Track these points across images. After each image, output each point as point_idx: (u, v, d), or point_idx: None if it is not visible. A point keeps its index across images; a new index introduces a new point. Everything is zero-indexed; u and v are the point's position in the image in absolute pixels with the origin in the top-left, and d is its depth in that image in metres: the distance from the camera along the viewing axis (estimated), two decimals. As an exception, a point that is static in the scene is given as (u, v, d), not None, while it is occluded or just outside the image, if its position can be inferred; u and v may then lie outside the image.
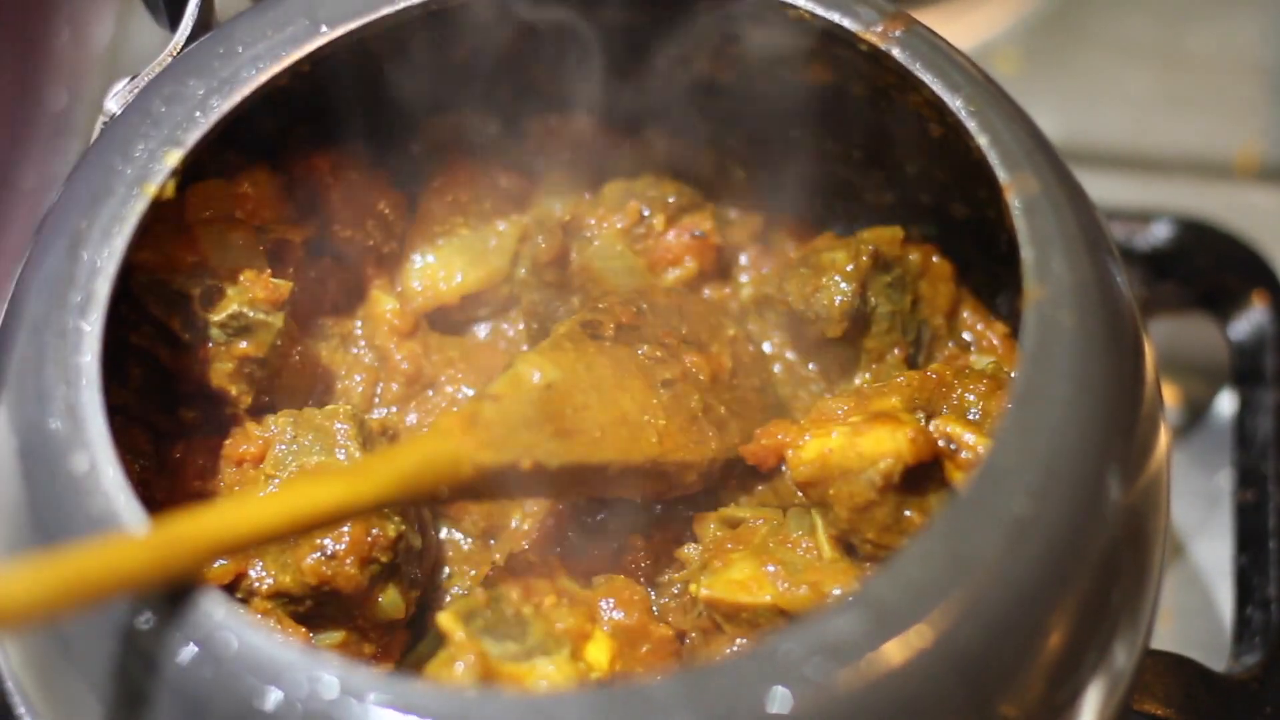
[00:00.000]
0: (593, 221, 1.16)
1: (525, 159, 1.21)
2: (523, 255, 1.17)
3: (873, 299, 1.11)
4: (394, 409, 1.14)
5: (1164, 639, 1.17)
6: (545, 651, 0.95)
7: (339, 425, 1.05)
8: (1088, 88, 1.61)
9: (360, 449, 1.04)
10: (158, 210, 0.98)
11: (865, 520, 0.98)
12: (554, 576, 1.01)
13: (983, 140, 1.00)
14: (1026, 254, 0.95)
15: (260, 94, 1.02)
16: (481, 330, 1.19)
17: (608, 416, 1.02)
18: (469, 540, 1.11)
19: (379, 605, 1.01)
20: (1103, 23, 1.64)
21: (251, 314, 1.06)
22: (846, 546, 1.01)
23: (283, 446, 1.04)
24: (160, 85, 1.02)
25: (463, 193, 1.18)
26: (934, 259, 1.14)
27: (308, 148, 1.15)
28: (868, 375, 1.12)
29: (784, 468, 1.04)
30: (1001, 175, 0.98)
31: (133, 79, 1.05)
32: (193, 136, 0.99)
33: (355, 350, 1.15)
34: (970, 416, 1.01)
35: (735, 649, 0.99)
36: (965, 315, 1.14)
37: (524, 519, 1.10)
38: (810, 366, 1.15)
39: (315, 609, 1.01)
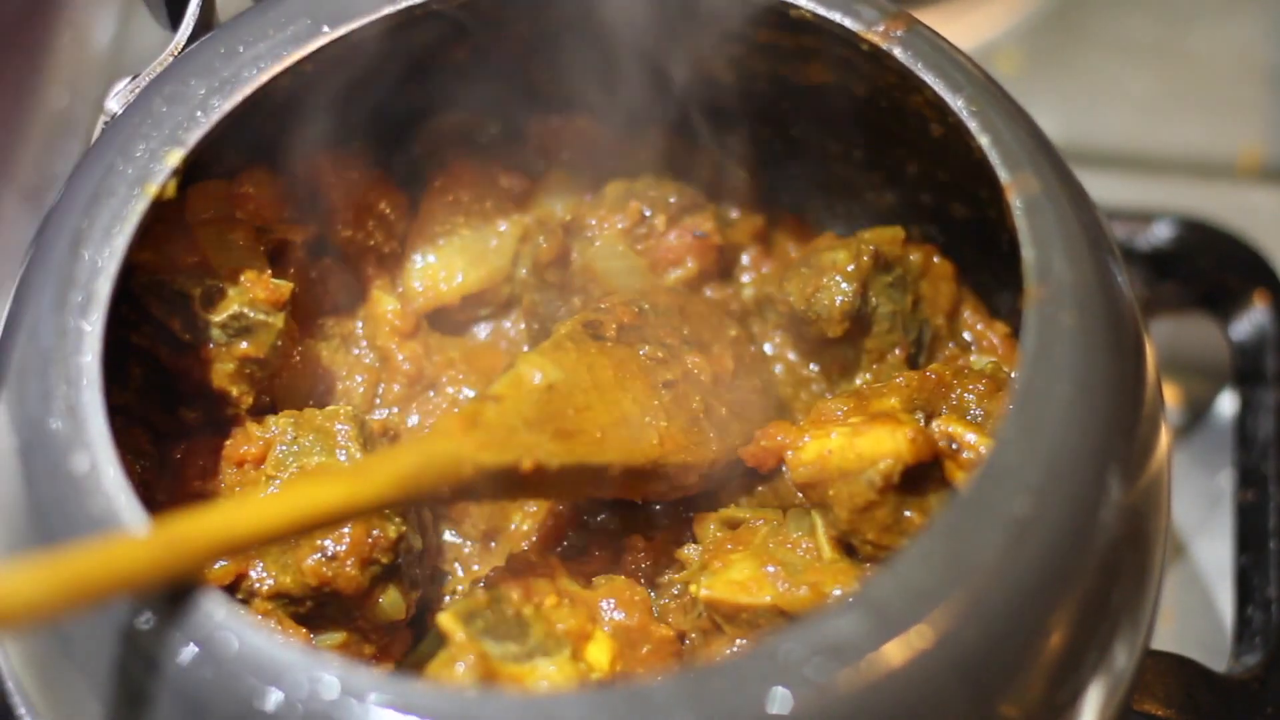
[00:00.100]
0: (594, 222, 1.16)
1: (526, 159, 1.21)
2: (524, 255, 1.17)
3: (874, 299, 1.11)
4: (395, 409, 1.14)
5: (1164, 639, 1.17)
6: (546, 652, 0.95)
7: (340, 426, 1.05)
8: (1089, 88, 1.60)
9: (361, 450, 1.04)
10: (159, 210, 0.98)
11: (865, 521, 0.98)
12: (554, 577, 1.01)
13: (984, 140, 1.00)
14: (1027, 254, 0.95)
15: (261, 94, 1.02)
16: (482, 331, 1.19)
17: (609, 417, 1.02)
18: (470, 542, 1.11)
19: (380, 606, 1.01)
20: (1103, 23, 1.64)
21: (252, 314, 1.06)
22: (846, 547, 1.01)
23: (283, 447, 1.04)
24: (161, 85, 1.02)
25: (464, 193, 1.18)
26: (935, 259, 1.14)
27: (309, 148, 1.14)
28: (869, 375, 1.12)
29: (784, 469, 1.04)
30: (1003, 175, 0.98)
31: (134, 79, 1.05)
32: (194, 136, 0.99)
33: (356, 351, 1.15)
34: (970, 416, 1.01)
35: (735, 649, 0.99)
36: (966, 315, 1.14)
37: (524, 520, 1.11)
38: (811, 367, 1.15)
39: (316, 610, 1.01)
